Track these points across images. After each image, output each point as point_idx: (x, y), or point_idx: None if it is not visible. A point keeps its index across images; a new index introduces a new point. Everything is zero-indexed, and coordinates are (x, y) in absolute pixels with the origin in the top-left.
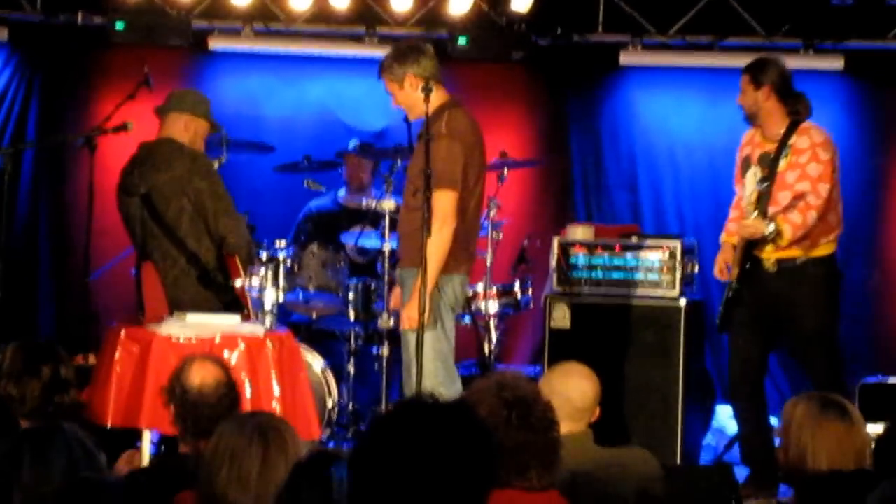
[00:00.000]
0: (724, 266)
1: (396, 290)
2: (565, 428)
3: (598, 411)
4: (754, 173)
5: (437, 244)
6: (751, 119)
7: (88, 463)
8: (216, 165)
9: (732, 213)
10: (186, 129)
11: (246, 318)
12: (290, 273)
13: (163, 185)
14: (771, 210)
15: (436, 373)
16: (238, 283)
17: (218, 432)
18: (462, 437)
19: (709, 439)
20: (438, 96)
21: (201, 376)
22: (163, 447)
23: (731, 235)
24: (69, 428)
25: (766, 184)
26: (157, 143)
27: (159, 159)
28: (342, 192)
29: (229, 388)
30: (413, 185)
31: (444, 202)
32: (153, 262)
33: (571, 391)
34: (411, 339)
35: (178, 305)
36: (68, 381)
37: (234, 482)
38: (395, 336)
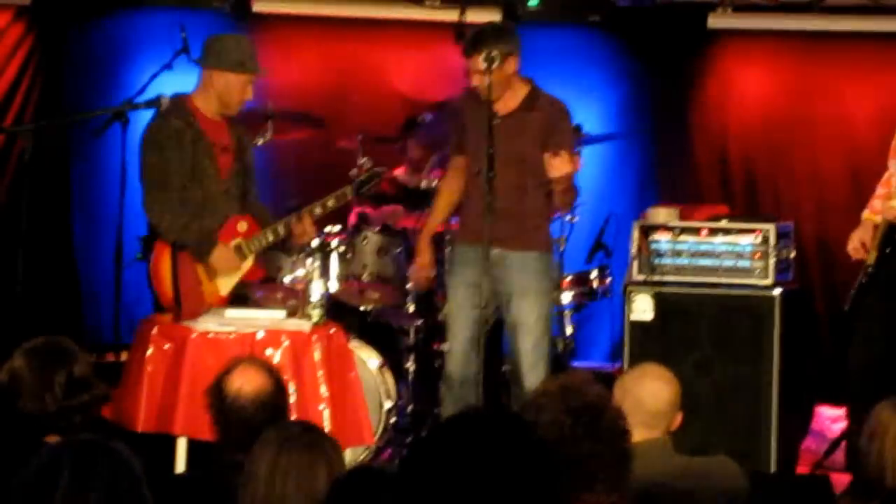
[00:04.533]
0: (859, 244)
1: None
2: (639, 435)
3: (678, 417)
4: None
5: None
6: None
7: (132, 491)
8: (259, 142)
9: (879, 190)
10: (205, 88)
11: (293, 311)
12: (342, 261)
13: None
14: None
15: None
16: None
17: (267, 446)
18: (520, 454)
19: (808, 444)
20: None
21: (240, 383)
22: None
23: (874, 213)
24: (116, 447)
25: None
26: None
27: None
28: (399, 172)
29: (274, 398)
30: (521, 163)
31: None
32: None
33: (645, 395)
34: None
35: None
36: (86, 379)
37: (302, 500)
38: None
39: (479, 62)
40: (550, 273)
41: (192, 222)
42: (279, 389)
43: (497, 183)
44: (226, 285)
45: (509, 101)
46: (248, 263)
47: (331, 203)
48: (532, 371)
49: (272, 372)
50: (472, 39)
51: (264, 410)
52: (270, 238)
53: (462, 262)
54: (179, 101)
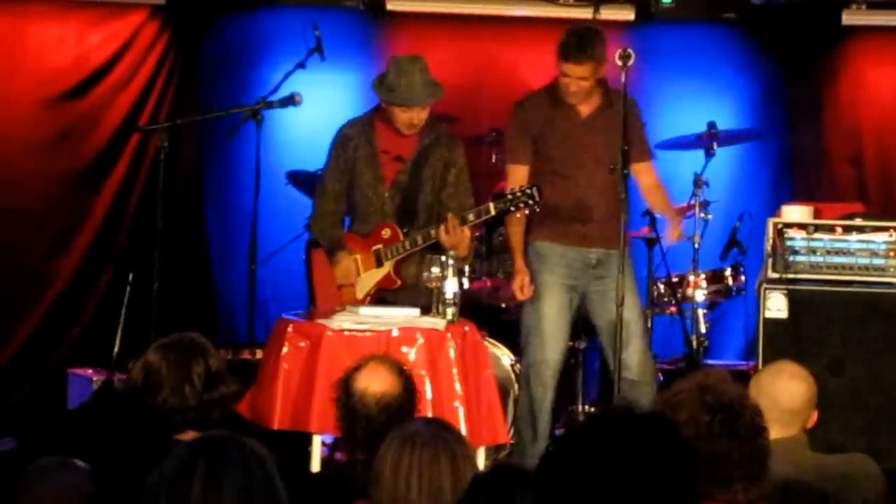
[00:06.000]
0: None
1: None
2: (776, 433)
3: (814, 415)
4: None
5: None
6: None
7: (266, 487)
8: None
9: None
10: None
11: (427, 309)
12: (476, 259)
13: None
14: None
15: None
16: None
17: (391, 445)
18: (660, 453)
19: None
20: None
21: (368, 382)
22: (335, 453)
23: None
24: (250, 443)
25: None
26: None
27: None
28: None
29: (399, 400)
30: (605, 161)
31: None
32: None
33: (781, 392)
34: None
35: None
36: (221, 373)
37: (426, 498)
38: (591, 327)
39: (584, 69)
40: None
41: (330, 227)
42: (407, 391)
43: (593, 182)
44: (361, 289)
45: (591, 102)
46: (386, 270)
47: (471, 217)
48: (645, 366)
49: (402, 373)
50: (580, 45)
51: (388, 412)
52: (408, 247)
53: (555, 262)
54: (376, 107)
